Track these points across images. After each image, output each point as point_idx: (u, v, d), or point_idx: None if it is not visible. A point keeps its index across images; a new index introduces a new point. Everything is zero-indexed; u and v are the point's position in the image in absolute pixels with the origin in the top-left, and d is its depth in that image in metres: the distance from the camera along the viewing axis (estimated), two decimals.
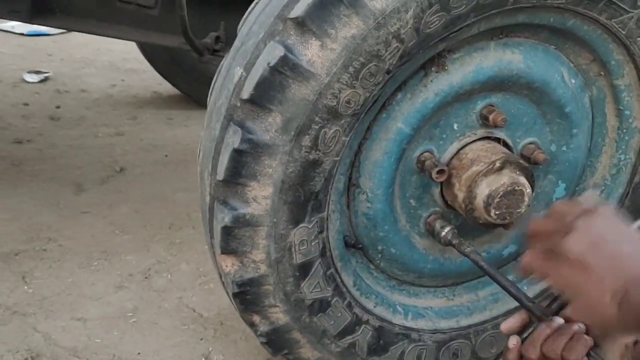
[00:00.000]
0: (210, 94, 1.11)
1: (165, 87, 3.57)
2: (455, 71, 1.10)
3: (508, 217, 1.15)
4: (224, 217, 1.03)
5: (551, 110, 1.21)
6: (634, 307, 0.62)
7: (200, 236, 2.02)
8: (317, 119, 0.96)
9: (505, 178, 1.13)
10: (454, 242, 1.19)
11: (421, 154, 1.18)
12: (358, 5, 0.90)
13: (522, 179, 1.14)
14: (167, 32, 1.68)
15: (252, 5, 1.08)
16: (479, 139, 1.20)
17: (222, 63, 1.09)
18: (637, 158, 1.31)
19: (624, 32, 1.08)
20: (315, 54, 0.92)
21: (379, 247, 1.24)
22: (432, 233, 1.25)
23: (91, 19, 1.67)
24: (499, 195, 1.12)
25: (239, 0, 1.72)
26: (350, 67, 0.93)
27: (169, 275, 1.82)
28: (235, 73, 1.00)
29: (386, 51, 0.94)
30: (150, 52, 3.22)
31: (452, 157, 1.20)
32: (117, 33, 1.71)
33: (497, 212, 1.14)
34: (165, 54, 3.12)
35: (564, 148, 1.28)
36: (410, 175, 1.20)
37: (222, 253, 1.08)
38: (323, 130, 0.97)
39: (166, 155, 2.70)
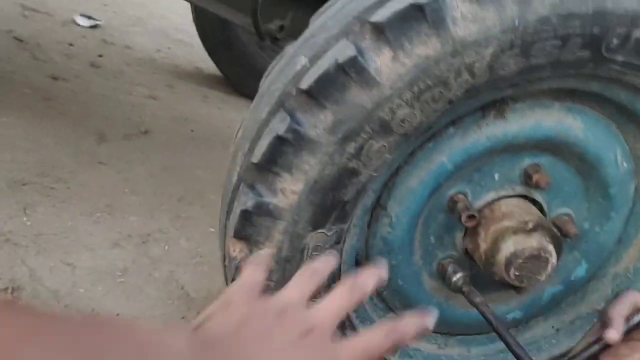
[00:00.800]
0: (266, 76, 1.09)
1: (208, 66, 3.58)
2: (513, 121, 1.07)
3: (525, 281, 1.12)
4: (247, 201, 1.01)
5: (595, 187, 1.18)
6: None
7: (207, 217, 2.00)
8: (367, 128, 0.94)
9: (535, 241, 1.10)
10: (464, 289, 1.15)
11: (455, 194, 1.15)
12: (441, 28, 0.88)
13: (551, 248, 1.11)
14: (234, 7, 1.67)
15: (333, 2, 1.06)
16: (516, 196, 1.17)
17: (286, 49, 1.07)
18: None
19: None
20: (385, 64, 0.90)
21: (387, 275, 1.21)
22: (442, 276, 1.21)
23: None
24: (523, 257, 1.09)
25: None
26: (415, 87, 0.91)
27: (167, 247, 1.80)
28: (298, 61, 0.98)
29: (455, 81, 0.92)
30: (204, 28, 3.23)
31: (485, 206, 1.17)
32: None
33: (516, 273, 1.10)
34: (218, 33, 3.13)
35: (597, 229, 1.25)
36: (438, 212, 1.17)
37: (234, 236, 1.05)
38: (370, 141, 0.95)
39: (193, 130, 2.69)
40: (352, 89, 0.92)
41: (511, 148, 1.11)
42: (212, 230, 1.87)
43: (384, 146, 0.97)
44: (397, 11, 0.89)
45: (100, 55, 3.31)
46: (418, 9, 0.88)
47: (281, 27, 1.54)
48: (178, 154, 2.39)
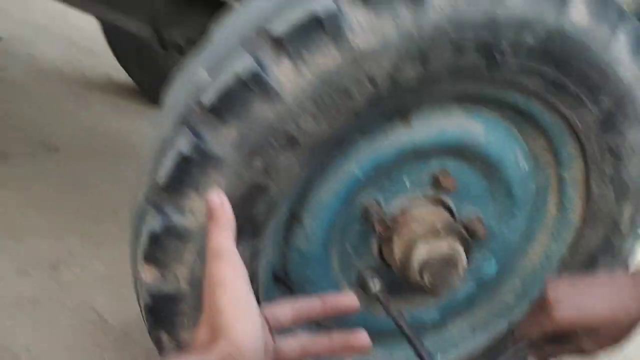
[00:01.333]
0: (168, 91, 1.05)
1: (120, 75, 3.44)
2: (418, 128, 1.09)
3: (439, 285, 1.15)
4: (154, 224, 0.97)
5: (499, 187, 1.23)
6: None
7: (122, 235, 1.91)
8: (274, 143, 0.93)
9: (445, 245, 1.13)
10: (381, 299, 1.17)
11: (367, 202, 1.16)
12: (339, 38, 0.88)
13: (460, 250, 1.14)
14: (137, 19, 1.61)
15: (232, 11, 1.04)
16: (426, 200, 1.20)
17: (186, 61, 1.04)
18: (567, 252, 1.33)
19: (582, 128, 1.12)
20: (286, 76, 0.89)
21: (307, 288, 1.20)
22: (362, 284, 1.22)
23: None
24: (435, 261, 1.11)
25: (216, 3, 1.69)
26: (319, 99, 0.91)
27: (79, 270, 1.71)
28: (199, 75, 0.95)
29: (358, 91, 0.92)
30: (113, 35, 3.10)
31: (397, 212, 1.18)
32: (85, 6, 1.63)
33: (430, 277, 1.13)
34: (128, 41, 3.01)
35: (503, 227, 1.29)
36: (352, 221, 1.17)
37: (144, 260, 1.01)
38: (278, 156, 0.94)
39: (105, 144, 2.58)
40: (254, 103, 0.90)
41: (418, 153, 1.13)
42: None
43: (292, 160, 0.96)
44: (295, 22, 0.88)
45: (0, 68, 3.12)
46: (316, 20, 0.87)
47: (186, 38, 1.50)
48: (88, 170, 2.28)
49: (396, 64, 0.91)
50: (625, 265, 1.39)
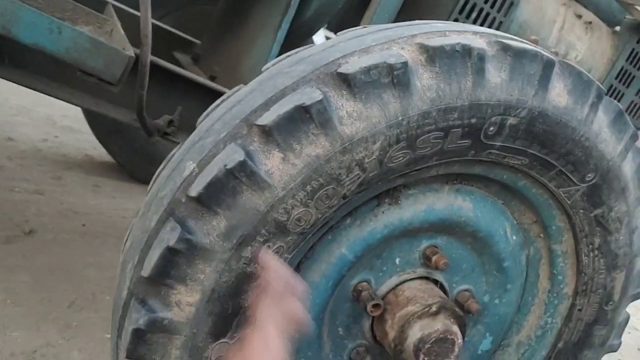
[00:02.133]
0: (153, 182, 1.04)
1: (99, 153, 3.43)
2: (407, 207, 1.09)
3: None
4: (138, 318, 0.93)
5: (490, 262, 1.22)
6: None
7: (101, 321, 1.85)
8: (263, 231, 0.91)
9: (440, 324, 1.10)
10: None
11: (358, 282, 1.14)
12: (328, 127, 0.89)
13: (455, 328, 1.12)
14: (120, 105, 1.62)
15: (218, 101, 1.04)
16: (418, 278, 1.18)
17: (172, 153, 1.03)
18: (563, 324, 1.31)
19: (569, 202, 1.12)
20: (275, 166, 0.89)
21: None
22: None
23: (42, 76, 1.59)
24: (430, 341, 1.09)
25: (200, 89, 1.72)
26: (308, 186, 0.90)
27: None
28: (186, 167, 0.94)
29: (347, 177, 0.92)
30: (92, 114, 3.10)
31: (389, 292, 1.16)
32: (68, 97, 1.63)
33: (425, 358, 1.09)
34: (107, 119, 3.01)
35: (496, 301, 1.28)
36: (343, 302, 1.15)
37: (127, 357, 0.96)
38: (267, 244, 0.92)
39: (84, 225, 2.53)
40: (243, 193, 0.89)
41: (408, 232, 1.12)
42: (108, 336, 1.72)
43: (282, 247, 0.94)
44: (283, 113, 0.88)
45: None
46: (304, 110, 0.88)
47: (170, 122, 1.51)
48: (67, 254, 2.22)
49: (385, 149, 0.92)
50: (619, 334, 1.37)
